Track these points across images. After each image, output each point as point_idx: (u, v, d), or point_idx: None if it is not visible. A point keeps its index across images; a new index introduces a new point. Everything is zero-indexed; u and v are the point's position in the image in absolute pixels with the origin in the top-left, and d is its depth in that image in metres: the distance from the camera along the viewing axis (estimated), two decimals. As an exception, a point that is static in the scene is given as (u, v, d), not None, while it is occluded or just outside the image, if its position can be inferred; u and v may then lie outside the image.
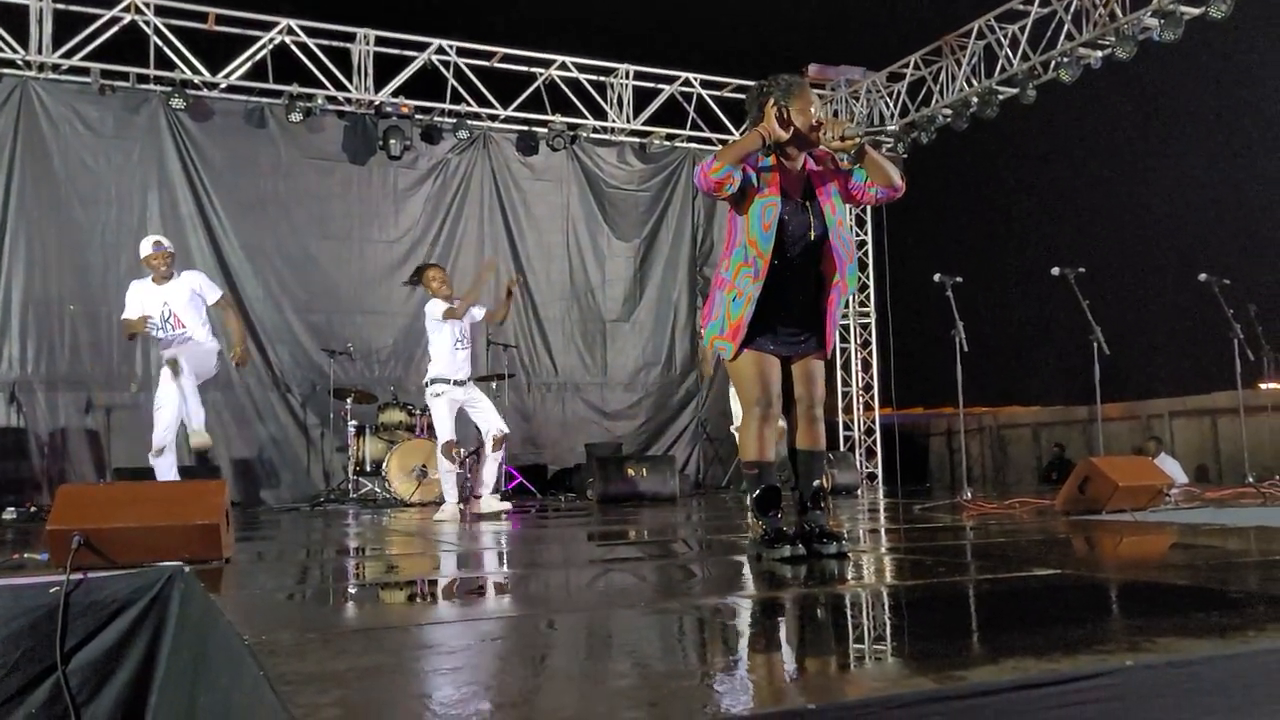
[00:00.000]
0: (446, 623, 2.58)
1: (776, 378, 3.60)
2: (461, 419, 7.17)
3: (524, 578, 3.66)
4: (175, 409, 6.12)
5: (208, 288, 6.54)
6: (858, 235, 12.85)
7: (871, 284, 12.72)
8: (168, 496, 3.81)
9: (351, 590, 3.41)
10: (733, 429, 7.64)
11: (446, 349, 6.99)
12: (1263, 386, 10.58)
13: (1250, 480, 7.57)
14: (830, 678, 1.79)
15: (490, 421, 7.08)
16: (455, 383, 6.99)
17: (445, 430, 7.02)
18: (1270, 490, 6.76)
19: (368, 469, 9.46)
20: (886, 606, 2.64)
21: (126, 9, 9.60)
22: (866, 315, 12.75)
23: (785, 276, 3.54)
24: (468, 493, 7.90)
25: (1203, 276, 7.84)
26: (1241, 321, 7.96)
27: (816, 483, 3.65)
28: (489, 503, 7.15)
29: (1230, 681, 1.72)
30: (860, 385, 12.72)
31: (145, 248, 6.50)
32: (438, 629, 2.45)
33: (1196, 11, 8.96)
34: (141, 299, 6.33)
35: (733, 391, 7.74)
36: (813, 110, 3.59)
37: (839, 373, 12.90)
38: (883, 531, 5.44)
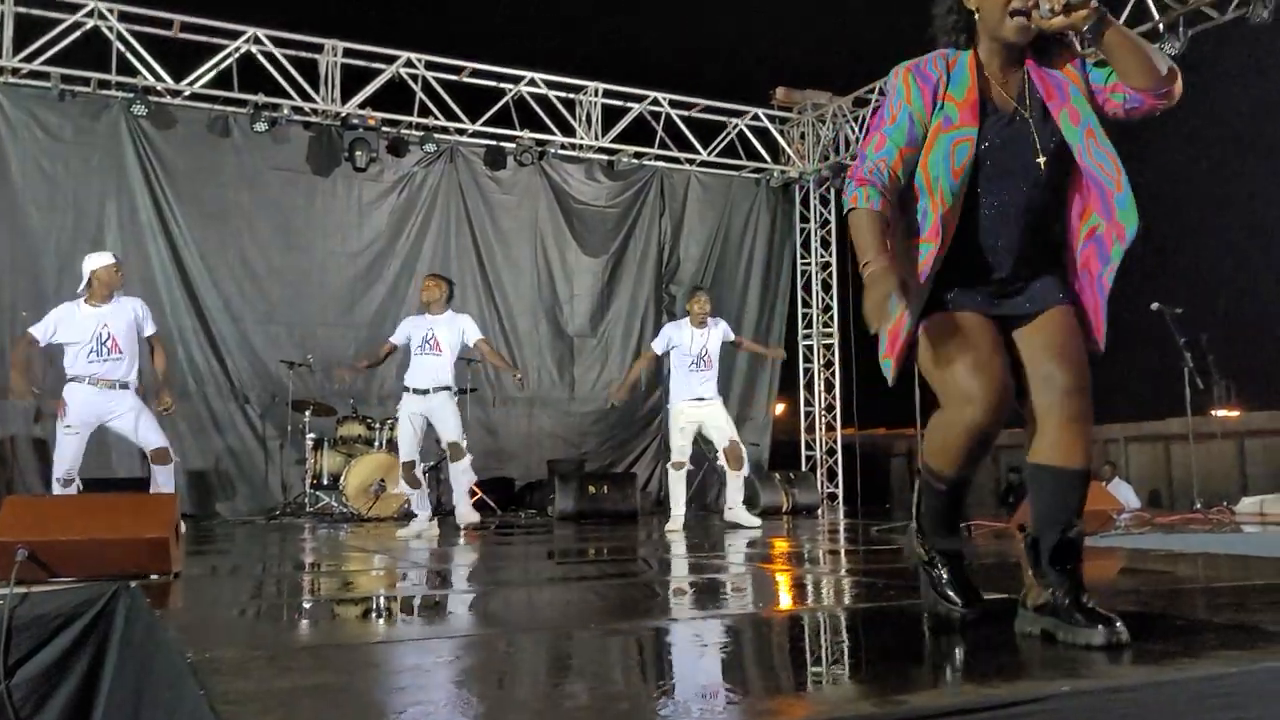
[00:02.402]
0: (397, 641, 2.56)
1: (1001, 357, 2.28)
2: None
3: (479, 595, 3.64)
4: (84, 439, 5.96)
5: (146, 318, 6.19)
6: (822, 257, 12.96)
7: (835, 303, 12.83)
8: (116, 509, 3.76)
9: (301, 607, 3.38)
10: (669, 466, 7.35)
11: (412, 354, 6.80)
12: (1215, 413, 10.79)
13: (1198, 506, 7.70)
14: (773, 701, 1.80)
15: (442, 433, 6.79)
16: (414, 391, 6.72)
17: (402, 449, 6.76)
18: (1217, 517, 6.89)
19: (325, 483, 9.37)
20: (835, 630, 2.66)
21: (89, 14, 9.49)
22: (830, 335, 12.85)
23: (999, 230, 2.33)
24: (444, 508, 7.90)
25: (1155, 305, 7.99)
26: (1193, 350, 8.12)
27: (1073, 526, 2.23)
28: (462, 516, 6.93)
29: (1165, 708, 1.76)
30: (822, 405, 12.81)
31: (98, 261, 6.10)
32: (387, 648, 2.43)
33: (1153, 46, 9.14)
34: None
35: (672, 423, 7.51)
36: None
37: (801, 393, 12.98)
38: (842, 553, 5.48)
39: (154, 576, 3.56)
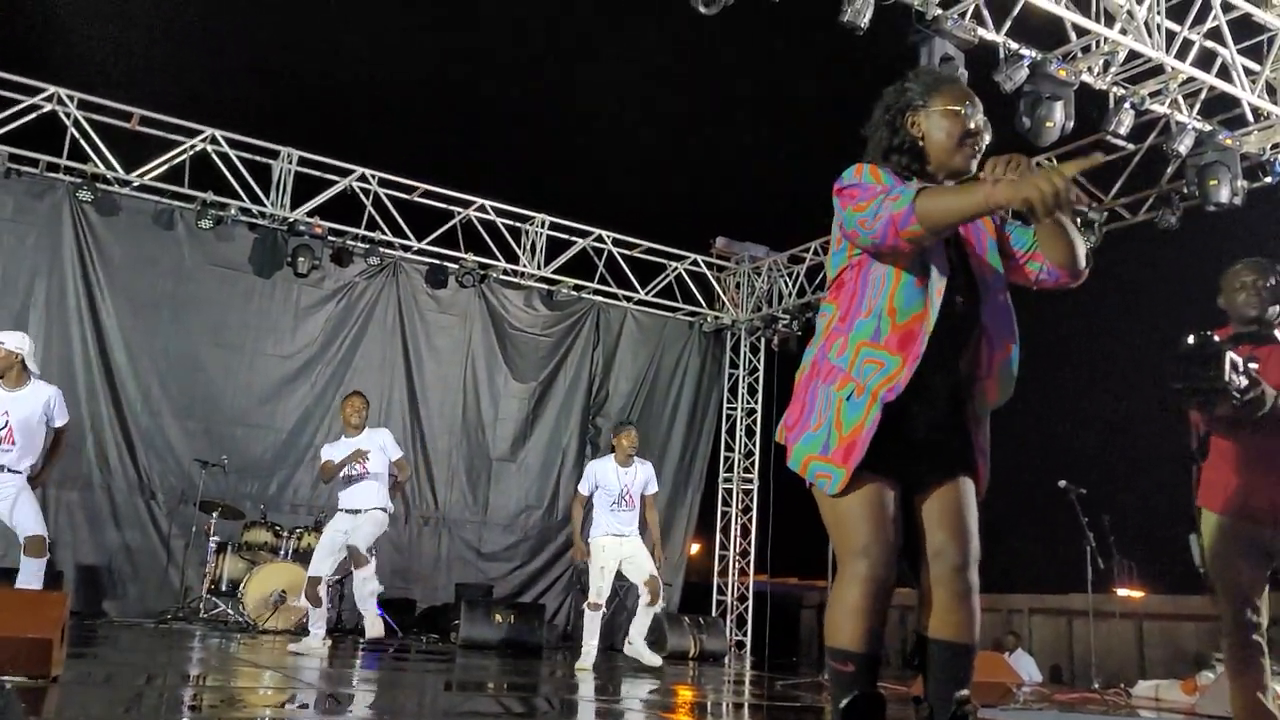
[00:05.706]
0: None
1: (895, 515, 2.28)
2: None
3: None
4: None
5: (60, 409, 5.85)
6: (748, 403, 13.20)
7: (757, 450, 13.01)
8: (1, 605, 3.61)
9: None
10: (586, 606, 7.26)
11: (340, 477, 6.77)
12: (1117, 592, 11.03)
13: (1096, 686, 7.82)
14: None
15: (354, 539, 6.67)
16: (345, 511, 6.71)
17: (315, 564, 6.70)
18: (1113, 699, 6.99)
19: (224, 589, 9.05)
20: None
21: (49, 98, 9.55)
22: (750, 481, 12.98)
23: (926, 365, 2.26)
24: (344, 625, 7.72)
25: (1062, 483, 8.28)
26: (1096, 529, 8.39)
27: (961, 695, 2.32)
28: (368, 627, 6.76)
29: None
30: (737, 550, 12.82)
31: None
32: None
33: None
34: None
35: (592, 560, 7.46)
36: (970, 115, 2.31)
37: (717, 536, 13.00)
38: (746, 707, 5.44)
39: (37, 679, 3.41)
